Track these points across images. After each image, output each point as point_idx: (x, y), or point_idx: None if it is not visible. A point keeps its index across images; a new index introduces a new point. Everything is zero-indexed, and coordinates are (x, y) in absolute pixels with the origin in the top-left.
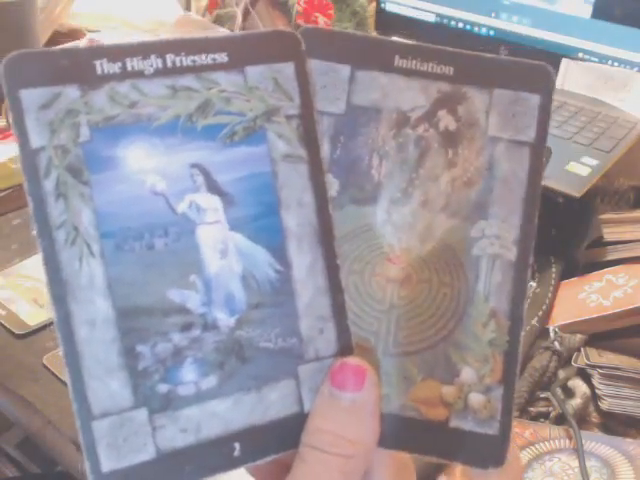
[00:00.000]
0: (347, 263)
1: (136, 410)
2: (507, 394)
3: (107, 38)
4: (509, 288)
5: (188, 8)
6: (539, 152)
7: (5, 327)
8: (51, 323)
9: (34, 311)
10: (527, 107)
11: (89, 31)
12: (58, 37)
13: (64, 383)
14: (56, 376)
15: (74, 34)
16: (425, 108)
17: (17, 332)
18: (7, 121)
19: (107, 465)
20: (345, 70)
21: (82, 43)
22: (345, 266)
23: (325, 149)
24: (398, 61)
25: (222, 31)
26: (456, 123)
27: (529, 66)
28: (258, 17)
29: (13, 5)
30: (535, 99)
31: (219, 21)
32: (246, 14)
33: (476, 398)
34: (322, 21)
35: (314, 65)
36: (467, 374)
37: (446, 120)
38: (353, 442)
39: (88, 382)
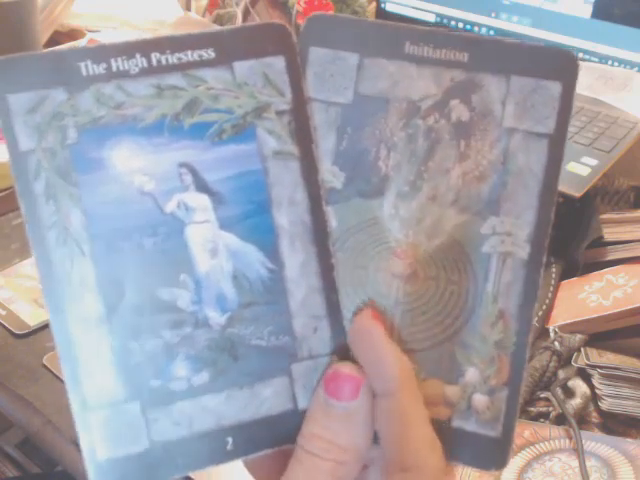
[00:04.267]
0: (352, 257)
1: (129, 403)
2: (512, 396)
3: (107, 38)
4: (519, 289)
5: (188, 8)
6: (559, 145)
7: (5, 327)
8: None
9: (34, 311)
10: (547, 96)
11: (89, 31)
12: (58, 37)
13: (64, 383)
14: (56, 376)
15: (74, 34)
16: (437, 97)
17: (17, 332)
18: None
19: (102, 453)
20: (353, 58)
21: (82, 43)
22: (350, 260)
23: (331, 140)
24: (409, 48)
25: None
26: (469, 113)
27: (551, 52)
28: (258, 17)
29: (13, 5)
30: (556, 88)
31: (219, 21)
32: (246, 14)
33: (480, 399)
34: None
35: (320, 53)
36: (472, 374)
37: (459, 110)
38: (345, 449)
39: (83, 376)
